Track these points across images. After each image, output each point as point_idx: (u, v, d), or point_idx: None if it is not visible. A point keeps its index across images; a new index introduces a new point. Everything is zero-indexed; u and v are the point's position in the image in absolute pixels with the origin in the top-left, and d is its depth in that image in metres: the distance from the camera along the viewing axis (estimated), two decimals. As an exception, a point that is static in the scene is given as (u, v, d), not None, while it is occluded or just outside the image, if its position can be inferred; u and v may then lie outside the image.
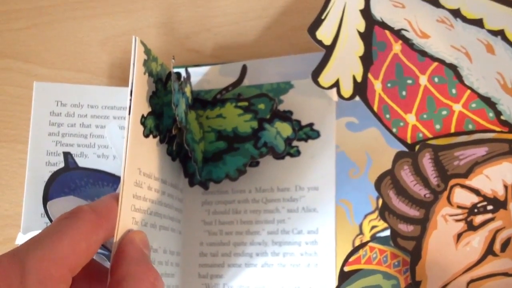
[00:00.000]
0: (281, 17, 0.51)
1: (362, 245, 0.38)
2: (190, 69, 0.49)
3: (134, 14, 0.55)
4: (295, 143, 0.45)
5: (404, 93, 0.36)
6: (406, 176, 0.35)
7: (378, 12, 0.37)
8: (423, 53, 0.36)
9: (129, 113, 0.37)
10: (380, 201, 0.41)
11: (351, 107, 0.43)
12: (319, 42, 0.38)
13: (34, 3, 0.57)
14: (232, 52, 0.52)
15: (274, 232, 0.44)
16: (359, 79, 0.37)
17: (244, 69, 0.48)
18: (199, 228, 0.47)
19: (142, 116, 0.39)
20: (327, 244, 0.43)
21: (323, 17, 0.38)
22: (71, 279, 0.30)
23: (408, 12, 0.37)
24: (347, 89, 0.38)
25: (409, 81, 0.36)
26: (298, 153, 0.45)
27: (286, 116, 0.45)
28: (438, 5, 0.36)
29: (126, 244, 0.34)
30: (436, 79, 0.36)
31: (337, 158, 0.44)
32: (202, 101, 0.47)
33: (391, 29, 0.37)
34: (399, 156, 0.35)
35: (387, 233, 0.41)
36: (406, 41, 0.36)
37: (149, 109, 0.40)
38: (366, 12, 0.37)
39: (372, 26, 0.37)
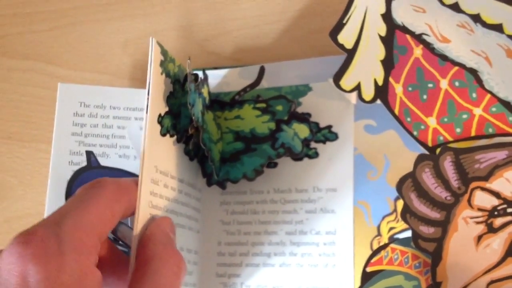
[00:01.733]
0: (299, 20, 0.52)
1: (384, 246, 0.39)
2: (209, 72, 0.50)
3: (154, 17, 0.56)
4: (313, 144, 0.46)
5: (425, 96, 0.37)
6: (428, 178, 0.35)
7: (399, 16, 0.38)
8: (444, 58, 0.36)
9: (147, 112, 0.38)
10: (398, 203, 0.42)
11: (369, 110, 0.44)
12: (341, 46, 0.38)
13: (57, 5, 0.58)
14: (251, 55, 0.53)
15: (292, 232, 0.45)
16: (380, 83, 0.38)
17: (261, 71, 0.49)
18: (218, 227, 0.47)
19: (159, 115, 0.40)
20: (345, 245, 0.43)
21: (344, 21, 0.39)
22: (99, 246, 0.32)
23: (429, 16, 0.37)
24: (368, 93, 0.38)
25: (430, 85, 0.37)
26: (316, 154, 0.46)
27: (303, 118, 0.45)
28: (458, 10, 0.37)
29: (153, 228, 0.35)
30: (456, 83, 0.36)
31: (355, 160, 0.44)
32: (220, 103, 0.48)
33: (412, 33, 0.37)
34: (420, 159, 0.36)
35: (405, 234, 0.41)
36: (427, 46, 0.37)
37: (166, 109, 0.41)
38: (387, 17, 0.38)
39: (393, 30, 0.38)
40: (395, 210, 0.42)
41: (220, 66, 0.52)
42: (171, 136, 0.42)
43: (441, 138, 0.37)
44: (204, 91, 0.46)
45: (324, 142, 0.46)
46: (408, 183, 0.36)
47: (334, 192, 0.45)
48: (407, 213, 0.36)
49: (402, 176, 0.36)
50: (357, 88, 0.38)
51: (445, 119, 0.37)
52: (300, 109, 0.47)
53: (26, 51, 0.58)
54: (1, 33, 0.59)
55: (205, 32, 0.54)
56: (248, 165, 0.46)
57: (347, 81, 0.38)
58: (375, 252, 0.40)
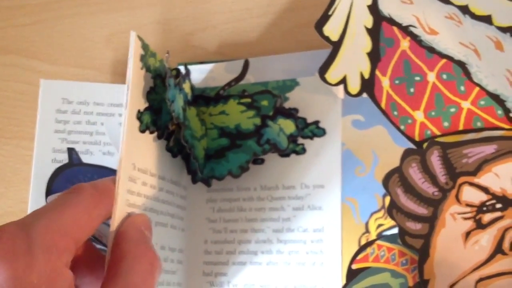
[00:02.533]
0: (286, 13, 0.51)
1: (370, 243, 0.38)
2: (194, 66, 0.49)
3: (139, 11, 0.55)
4: (300, 140, 0.45)
5: (412, 90, 0.36)
6: (414, 173, 0.34)
7: (385, 8, 0.37)
8: (431, 50, 0.36)
9: (126, 108, 0.37)
10: (387, 199, 0.41)
11: (357, 105, 0.43)
12: (326, 38, 0.38)
13: (39, -1, 0.57)
14: (238, 49, 0.52)
15: (279, 230, 0.44)
16: (366, 76, 0.37)
17: (246, 65, 0.48)
18: (204, 225, 0.46)
19: (138, 111, 0.39)
20: (333, 243, 0.42)
21: (330, 13, 0.38)
22: (74, 249, 0.31)
23: (416, 8, 0.36)
24: (354, 86, 0.37)
25: (417, 78, 0.36)
26: (303, 150, 0.45)
27: (289, 113, 0.44)
28: (446, 1, 0.36)
29: (126, 226, 0.35)
30: (444, 76, 0.35)
31: (343, 156, 0.44)
32: (205, 98, 0.47)
33: (399, 25, 0.36)
34: (407, 154, 0.35)
35: (394, 231, 0.40)
36: (414, 38, 0.36)
37: (146, 105, 0.40)
38: (373, 8, 0.37)
39: (380, 22, 0.37)
40: (383, 206, 0.41)
41: (206, 60, 0.51)
42: (151, 132, 0.41)
43: (429, 132, 0.36)
44: (186, 87, 0.45)
45: (311, 138, 0.45)
46: (395, 178, 0.35)
47: (321, 189, 0.44)
48: (394, 209, 0.35)
49: (388, 171, 0.36)
50: (343, 81, 0.37)
51: (433, 113, 0.36)
52: (287, 104, 0.46)
53: (8, 46, 0.57)
54: (-18, 28, 0.58)
55: (190, 26, 0.53)
56: (233, 161, 0.45)
57: (333, 74, 0.38)
58: (361, 249, 0.39)
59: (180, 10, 0.54)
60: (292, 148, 0.45)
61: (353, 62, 0.37)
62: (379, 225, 0.41)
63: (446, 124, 0.35)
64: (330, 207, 0.43)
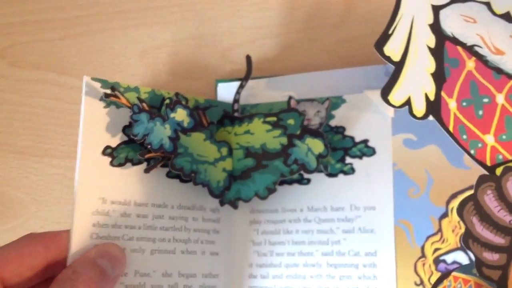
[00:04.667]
0: (327, 29, 0.50)
1: (446, 275, 0.36)
2: (233, 83, 0.48)
3: (173, 25, 0.53)
4: (349, 160, 0.44)
5: (480, 112, 0.35)
6: (490, 201, 0.33)
7: (448, 27, 0.35)
8: (498, 71, 0.34)
9: (79, 146, 0.40)
10: (443, 222, 0.40)
11: (408, 123, 0.41)
12: (387, 58, 0.36)
13: (69, 13, 0.56)
14: (277, 65, 0.50)
15: (329, 253, 0.43)
16: (432, 98, 0.35)
17: (249, 60, 0.47)
18: (248, 248, 0.45)
19: (107, 147, 0.41)
20: (387, 267, 0.41)
21: (390, 32, 0.36)
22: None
23: (480, 27, 0.35)
24: (419, 108, 0.36)
25: (485, 100, 0.35)
26: (352, 170, 0.44)
27: (317, 132, 0.43)
28: (510, 20, 0.35)
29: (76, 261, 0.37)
30: (513, 98, 0.34)
31: (395, 176, 0.42)
32: (230, 117, 0.46)
33: (463, 45, 0.35)
34: (482, 180, 0.33)
35: (453, 256, 0.39)
36: (480, 58, 0.35)
37: (120, 140, 0.42)
38: (435, 27, 0.35)
39: (443, 42, 0.35)
40: (439, 229, 0.40)
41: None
42: (135, 164, 0.42)
43: (500, 156, 0.34)
44: (178, 115, 0.43)
45: (360, 157, 0.44)
46: (469, 207, 0.33)
47: (373, 211, 0.42)
48: (470, 239, 0.33)
49: (462, 199, 0.34)
50: (407, 103, 0.36)
51: (504, 137, 0.34)
52: (333, 122, 0.45)
53: (36, 61, 0.55)
54: (10, 42, 0.56)
55: (227, 41, 0.52)
56: (259, 183, 0.43)
57: (396, 96, 0.36)
58: (437, 281, 0.37)
59: (216, 24, 0.52)
60: (340, 167, 0.44)
61: (417, 83, 0.36)
62: (436, 249, 0.40)
63: (518, 148, 0.34)
64: (383, 230, 0.42)
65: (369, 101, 0.44)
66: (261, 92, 0.47)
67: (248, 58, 0.47)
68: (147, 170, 0.42)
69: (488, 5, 0.35)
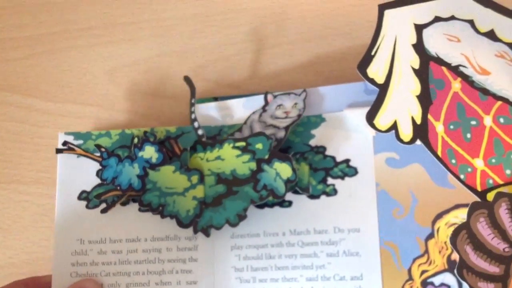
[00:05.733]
0: (303, 44, 0.49)
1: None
2: (208, 104, 0.46)
3: (142, 42, 0.51)
4: (331, 181, 0.43)
5: (468, 135, 0.34)
6: (483, 229, 0.32)
7: (432, 47, 0.34)
8: (484, 91, 0.34)
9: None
10: (430, 243, 0.39)
11: (390, 142, 0.40)
12: (371, 81, 0.35)
13: (31, 31, 0.53)
14: (251, 82, 0.49)
15: (314, 278, 0.42)
16: (418, 121, 0.34)
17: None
18: (229, 275, 0.43)
19: (83, 192, 0.45)
20: (374, 291, 0.40)
21: (373, 53, 0.35)
22: None
23: (464, 46, 0.34)
24: (406, 133, 0.35)
25: (473, 122, 0.34)
26: (334, 191, 0.43)
27: (285, 156, 0.42)
28: (495, 38, 0.34)
29: None
30: (501, 120, 0.33)
31: (378, 197, 0.41)
32: (202, 143, 0.44)
33: (448, 65, 0.34)
34: (474, 208, 0.33)
35: (440, 278, 0.38)
36: (466, 78, 0.34)
37: (95, 183, 0.45)
38: (419, 47, 0.35)
39: (427, 62, 0.34)
40: (426, 251, 0.39)
41: (220, 95, 0.48)
42: (109, 204, 0.44)
43: (491, 181, 0.34)
44: (146, 153, 0.44)
45: (342, 178, 0.42)
46: (463, 235, 0.33)
47: (357, 233, 0.41)
48: (464, 269, 0.33)
49: (455, 227, 0.33)
50: (394, 127, 0.35)
51: (493, 160, 0.34)
52: (313, 142, 0.44)
53: (-1, 82, 0.53)
54: (-30, 63, 0.53)
55: (200, 58, 0.50)
56: (230, 209, 0.42)
57: (382, 120, 0.35)
58: None
59: (187, 41, 0.51)
60: (322, 189, 0.43)
61: (402, 106, 0.35)
62: (423, 271, 0.39)
63: (508, 172, 0.33)
64: (368, 253, 0.41)
65: (350, 119, 0.43)
66: (239, 112, 0.46)
67: (187, 78, 0.46)
68: (104, 211, 0.44)
69: (471, 23, 0.34)
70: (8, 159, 0.51)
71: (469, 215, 0.33)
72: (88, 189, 0.45)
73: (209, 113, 0.46)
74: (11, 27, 0.53)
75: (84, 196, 0.45)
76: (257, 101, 0.45)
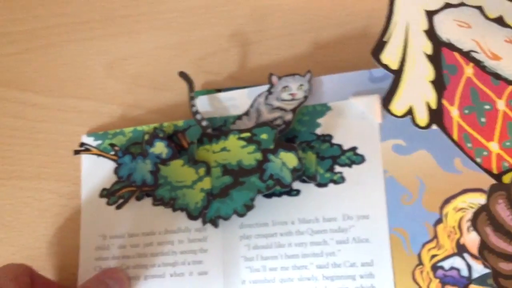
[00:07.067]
0: (303, 34, 0.49)
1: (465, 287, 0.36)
2: (213, 95, 0.46)
3: (141, 35, 0.51)
4: (338, 169, 0.43)
5: (483, 119, 0.34)
6: (502, 210, 0.33)
7: (444, 33, 0.35)
8: (497, 76, 0.34)
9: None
10: (439, 227, 0.39)
11: (396, 129, 0.41)
12: (385, 67, 0.35)
13: (27, 25, 0.52)
14: (252, 74, 0.49)
15: (324, 266, 0.42)
16: (433, 106, 0.35)
17: (184, 75, 0.46)
18: (240, 265, 0.43)
19: (104, 189, 0.47)
20: (385, 277, 0.40)
21: (385, 39, 0.36)
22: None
23: (474, 32, 0.35)
24: (422, 117, 0.35)
25: (487, 107, 0.34)
26: (342, 179, 0.43)
27: (290, 146, 0.42)
28: (503, 24, 0.35)
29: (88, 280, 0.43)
30: (514, 104, 0.34)
31: (386, 184, 0.42)
32: (208, 135, 0.44)
33: (459, 50, 0.35)
34: (493, 189, 0.33)
35: (450, 261, 0.39)
36: (478, 64, 0.34)
37: (112, 181, 0.47)
38: (431, 33, 0.35)
39: (440, 48, 0.35)
40: (435, 236, 0.40)
41: (221, 87, 0.48)
42: (126, 200, 0.46)
43: (506, 164, 0.34)
44: (157, 148, 0.45)
45: (350, 166, 0.43)
46: (483, 217, 0.33)
47: (366, 220, 0.42)
48: (485, 250, 0.33)
49: (475, 210, 0.34)
50: (410, 113, 0.35)
51: (508, 143, 0.34)
52: (319, 131, 0.44)
53: (-7, 77, 0.52)
54: (-37, 58, 0.53)
55: (199, 51, 0.50)
56: (238, 200, 0.43)
57: (398, 106, 0.35)
58: None
59: (187, 33, 0.50)
60: (329, 177, 0.43)
61: (417, 91, 0.35)
62: (433, 256, 0.40)
63: (522, 154, 0.34)
64: (378, 239, 0.41)
65: (355, 107, 0.43)
66: (243, 102, 0.46)
67: (183, 74, 0.46)
68: (118, 207, 0.46)
69: (480, 9, 0.35)
70: (7, 155, 0.51)
71: (489, 196, 0.33)
72: (108, 186, 0.47)
73: (213, 104, 0.46)
74: (6, 22, 0.53)
75: (104, 193, 0.47)
76: (261, 91, 0.45)
